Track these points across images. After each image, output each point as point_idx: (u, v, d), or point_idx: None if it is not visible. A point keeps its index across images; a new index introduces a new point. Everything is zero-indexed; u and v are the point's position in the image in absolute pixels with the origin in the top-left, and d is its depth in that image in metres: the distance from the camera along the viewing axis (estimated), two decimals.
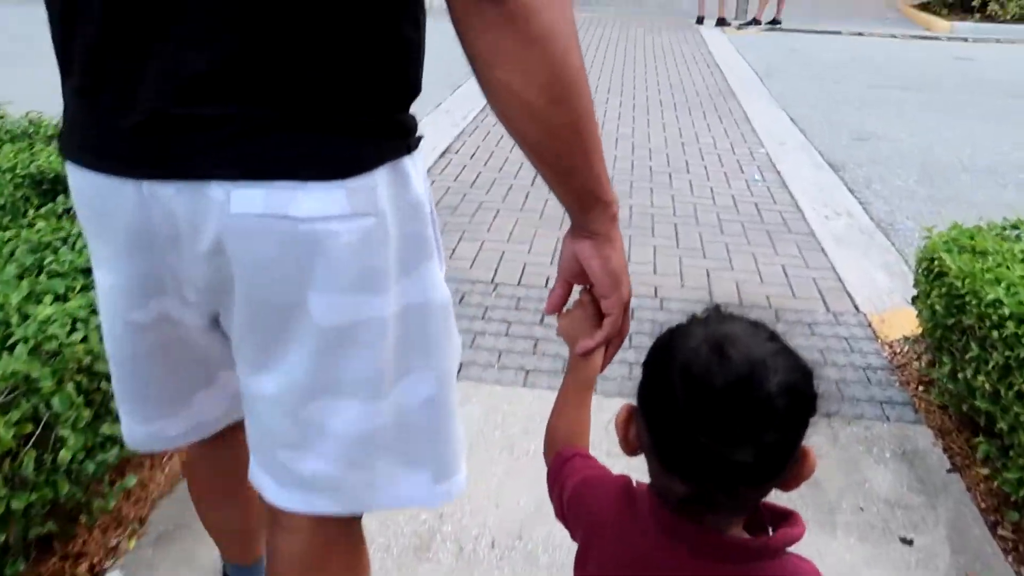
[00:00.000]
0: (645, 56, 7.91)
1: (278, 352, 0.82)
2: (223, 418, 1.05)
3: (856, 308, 2.78)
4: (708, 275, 3.02)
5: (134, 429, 1.01)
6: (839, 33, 10.16)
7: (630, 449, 0.76)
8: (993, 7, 10.38)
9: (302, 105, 0.73)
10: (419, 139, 0.83)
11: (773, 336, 0.70)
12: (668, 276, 3.00)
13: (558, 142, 0.77)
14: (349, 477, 0.88)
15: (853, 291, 2.91)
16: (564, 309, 0.96)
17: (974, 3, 10.53)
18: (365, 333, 0.81)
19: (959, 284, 1.89)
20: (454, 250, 3.12)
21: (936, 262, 2.04)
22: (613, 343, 0.93)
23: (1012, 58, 8.70)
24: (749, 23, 10.52)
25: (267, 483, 0.91)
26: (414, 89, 0.81)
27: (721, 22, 10.38)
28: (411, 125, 0.82)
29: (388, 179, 0.78)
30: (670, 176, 4.20)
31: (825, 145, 4.93)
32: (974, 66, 8.13)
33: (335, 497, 0.89)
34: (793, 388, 0.66)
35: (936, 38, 10.12)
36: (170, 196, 0.75)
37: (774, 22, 10.56)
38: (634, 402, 0.75)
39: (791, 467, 0.69)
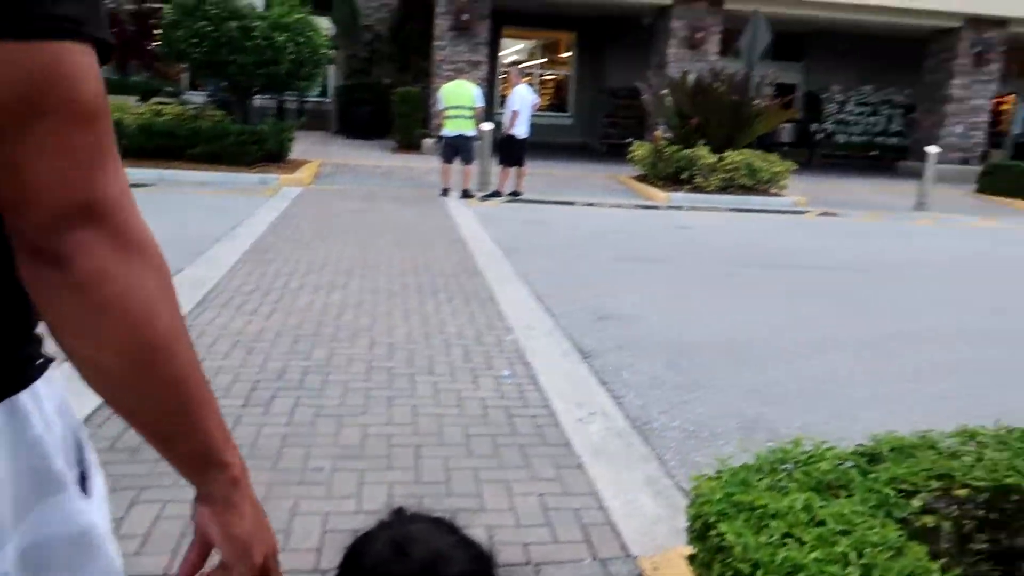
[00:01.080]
0: (391, 233, 7.65)
1: None
2: None
3: (625, 551, 2.36)
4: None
5: None
6: (574, 204, 10.79)
7: None
8: (699, 180, 11.68)
9: None
10: (46, 363, 0.75)
11: (453, 530, 0.79)
12: None
13: (152, 408, 0.72)
14: None
15: (619, 523, 2.51)
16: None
17: (683, 176, 11.79)
18: None
19: (745, 569, 1.50)
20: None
21: (713, 530, 1.66)
22: None
23: (723, 226, 9.66)
24: (491, 195, 10.87)
25: None
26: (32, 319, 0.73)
27: (465, 194, 10.61)
28: (30, 354, 0.74)
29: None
30: (412, 379, 3.72)
31: (574, 327, 4.78)
32: (695, 234, 8.87)
33: None
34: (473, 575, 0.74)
35: (656, 207, 11.10)
36: None
37: (515, 194, 11.02)
38: None
39: None
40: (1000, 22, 16.55)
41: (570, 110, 21.35)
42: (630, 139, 19.12)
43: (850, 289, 6.43)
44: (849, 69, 20.38)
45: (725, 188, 11.72)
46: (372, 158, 14.35)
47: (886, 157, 20.05)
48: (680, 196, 11.48)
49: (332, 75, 19.99)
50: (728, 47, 17.53)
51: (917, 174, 17.41)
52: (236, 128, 11.19)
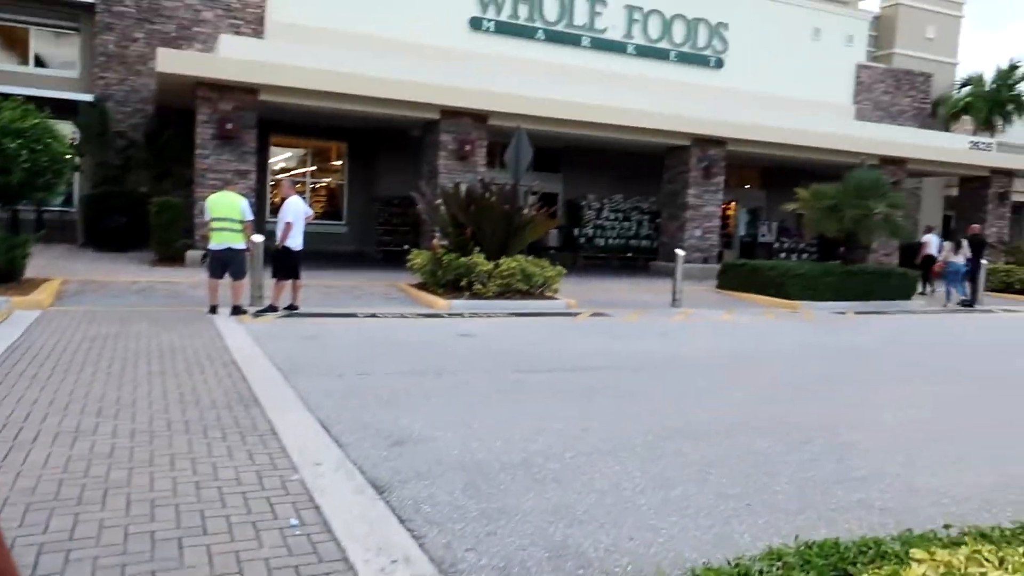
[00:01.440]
0: (151, 360, 6.86)
1: None
2: None
3: None
4: None
5: None
6: (355, 315, 10.50)
7: None
8: (478, 287, 11.93)
9: None
10: None
11: None
12: None
13: None
14: None
15: None
16: None
17: (462, 284, 12.00)
18: None
19: None
20: None
21: None
22: None
23: (504, 332, 9.85)
24: (266, 310, 10.28)
25: None
26: None
27: (237, 311, 9.92)
28: None
29: None
30: (179, 544, 3.19)
31: (365, 457, 4.46)
32: (479, 342, 8.93)
33: None
34: None
35: (438, 315, 11.12)
36: None
37: (291, 308, 10.51)
38: None
39: None
40: (720, 142, 19.15)
41: (344, 218, 21.22)
42: (406, 246, 19.41)
43: (631, 388, 6.74)
44: (602, 180, 22.42)
45: (503, 293, 12.08)
46: (127, 273, 13.09)
47: (639, 258, 22.02)
48: (460, 303, 11.63)
49: (78, 183, 18.30)
50: (494, 159, 18.60)
51: (667, 273, 19.34)
52: None
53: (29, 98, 14.00)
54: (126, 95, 17.92)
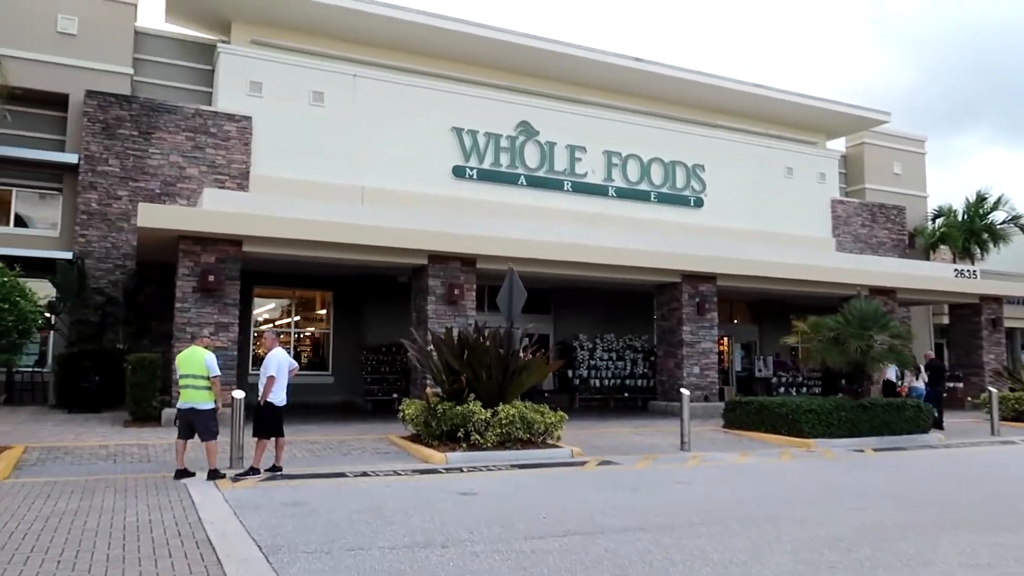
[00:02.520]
0: (111, 542, 5.95)
1: None
2: None
3: None
4: None
5: None
6: (344, 475, 9.61)
7: None
8: (476, 437, 11.13)
9: None
10: None
11: None
12: None
13: None
14: None
15: None
16: None
17: (459, 434, 11.20)
18: None
19: None
20: None
21: None
22: None
23: (510, 489, 8.96)
24: (247, 473, 9.39)
25: None
26: None
27: (214, 475, 9.02)
28: None
29: None
30: None
31: None
32: (483, 502, 8.05)
33: None
34: None
35: (435, 470, 10.23)
36: None
37: (274, 469, 9.63)
38: None
39: None
40: (710, 277, 19.01)
41: (330, 367, 20.50)
42: (395, 395, 18.64)
43: (663, 556, 5.89)
44: (592, 319, 22.10)
45: (503, 443, 11.26)
46: (97, 436, 12.16)
47: (636, 397, 21.31)
48: (458, 456, 10.77)
49: (52, 342, 17.61)
50: (484, 302, 18.25)
51: (667, 412, 18.60)
52: None
53: (4, 257, 13.62)
54: (107, 252, 17.61)
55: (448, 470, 10.24)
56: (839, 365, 14.71)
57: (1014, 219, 28.16)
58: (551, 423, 11.69)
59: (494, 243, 16.36)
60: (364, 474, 9.72)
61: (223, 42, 19.73)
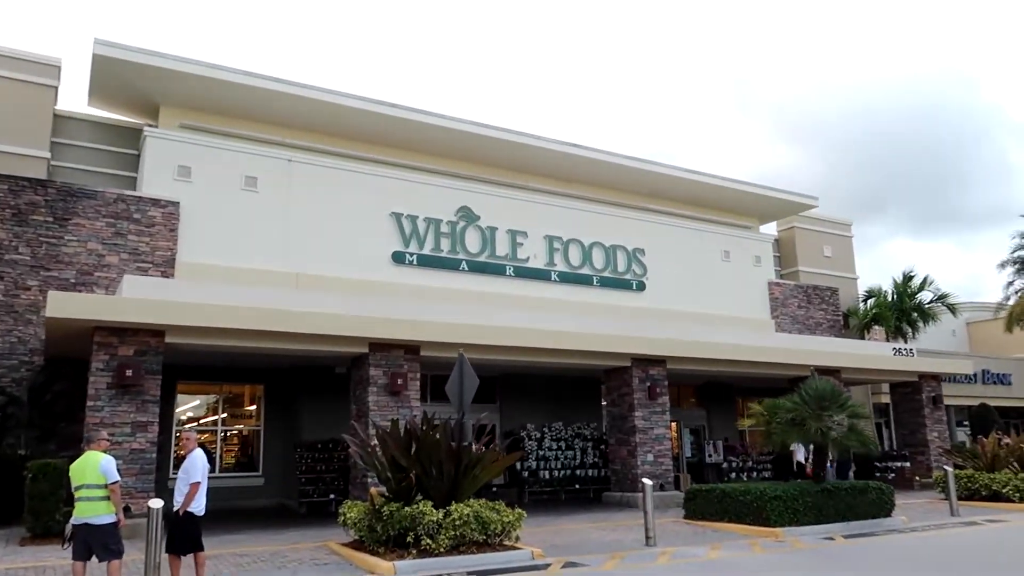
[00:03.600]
0: None
1: None
2: None
3: None
4: None
5: None
6: None
7: None
8: (426, 541, 10.05)
9: None
10: None
11: None
12: None
13: None
14: None
15: None
16: None
17: (408, 539, 10.10)
18: None
19: None
20: None
21: None
22: None
23: None
24: None
25: None
26: None
27: None
28: None
29: None
30: None
31: None
32: None
33: None
34: None
35: None
36: None
37: None
38: None
39: None
40: (660, 361, 18.58)
41: (260, 468, 18.95)
42: (332, 496, 17.24)
43: None
44: (540, 408, 21.29)
45: (456, 547, 10.20)
46: None
47: (587, 489, 20.37)
48: (407, 564, 9.65)
49: None
50: (427, 392, 17.30)
51: (623, 504, 17.74)
52: None
53: None
54: (11, 347, 16.05)
55: None
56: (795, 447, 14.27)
57: (940, 298, 29.06)
58: (508, 522, 10.71)
59: (439, 329, 15.60)
60: None
61: (150, 126, 18.92)
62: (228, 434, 19.68)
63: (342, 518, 11.17)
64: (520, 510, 11.01)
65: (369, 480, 14.29)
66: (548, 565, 10.06)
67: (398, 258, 20.11)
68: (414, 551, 10.00)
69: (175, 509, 8.59)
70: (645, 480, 12.38)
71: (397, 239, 20.27)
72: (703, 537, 12.74)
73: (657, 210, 25.75)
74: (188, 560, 8.59)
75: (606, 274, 23.20)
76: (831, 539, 12.49)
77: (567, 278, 22.46)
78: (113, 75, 18.19)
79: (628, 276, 23.58)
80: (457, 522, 10.20)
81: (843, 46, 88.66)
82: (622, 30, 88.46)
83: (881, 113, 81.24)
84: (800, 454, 19.86)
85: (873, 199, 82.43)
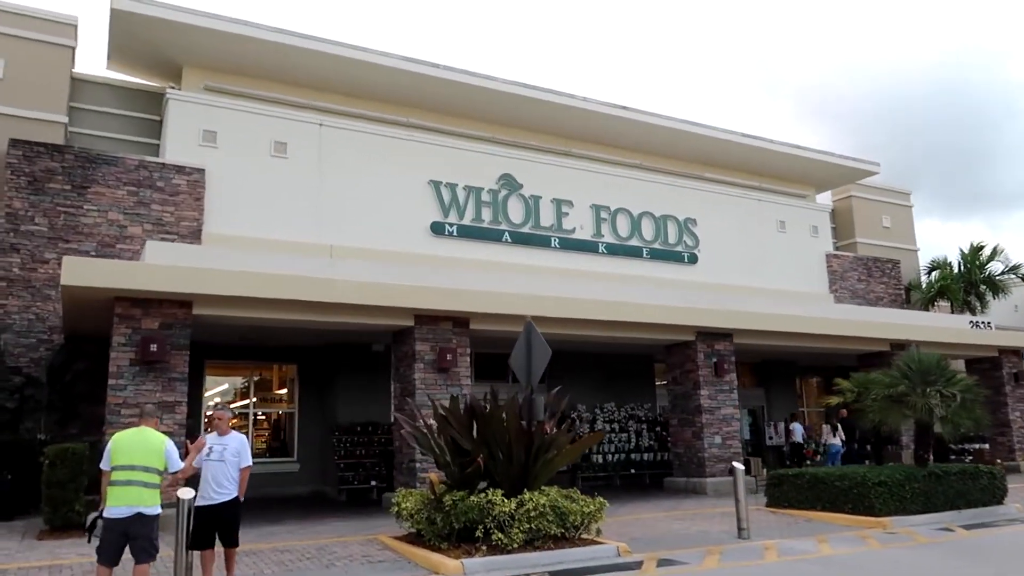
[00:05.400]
0: None
1: None
2: None
3: None
4: None
5: None
6: None
7: None
8: (496, 536, 8.66)
9: None
10: None
11: None
12: None
13: None
14: None
15: None
16: None
17: (477, 533, 8.72)
18: None
19: None
20: None
21: None
22: None
23: None
24: None
25: None
26: None
27: None
28: None
29: None
30: None
31: None
32: None
33: None
34: None
35: None
36: None
37: None
38: None
39: None
40: (727, 335, 17.04)
41: (295, 453, 17.69)
42: (374, 483, 15.96)
43: None
44: (589, 387, 19.76)
45: (531, 541, 8.80)
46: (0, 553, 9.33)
47: (643, 474, 18.95)
48: (477, 562, 8.27)
49: None
50: (476, 370, 15.88)
51: (687, 490, 16.31)
52: None
53: None
54: (29, 324, 14.88)
55: None
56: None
57: (1013, 269, 27.11)
58: (589, 513, 9.29)
59: (491, 299, 14.17)
60: None
61: (173, 88, 17.60)
62: (259, 417, 18.45)
63: (395, 508, 9.81)
64: (601, 499, 9.58)
65: (416, 465, 12.99)
66: (640, 563, 8.62)
67: (437, 229, 18.70)
68: (483, 547, 8.63)
69: (204, 501, 7.26)
70: (736, 464, 10.94)
71: (436, 208, 18.86)
72: (799, 528, 11.24)
73: (709, 178, 24.10)
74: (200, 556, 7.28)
75: (656, 245, 21.63)
76: (949, 530, 10.95)
77: (615, 250, 20.93)
78: (132, 33, 16.88)
79: (679, 248, 22.00)
80: (532, 513, 8.79)
81: (868, 25, 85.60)
82: (644, 15, 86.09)
83: (907, 94, 78.41)
84: (797, 435, 20.06)
85: (899, 180, 79.71)
